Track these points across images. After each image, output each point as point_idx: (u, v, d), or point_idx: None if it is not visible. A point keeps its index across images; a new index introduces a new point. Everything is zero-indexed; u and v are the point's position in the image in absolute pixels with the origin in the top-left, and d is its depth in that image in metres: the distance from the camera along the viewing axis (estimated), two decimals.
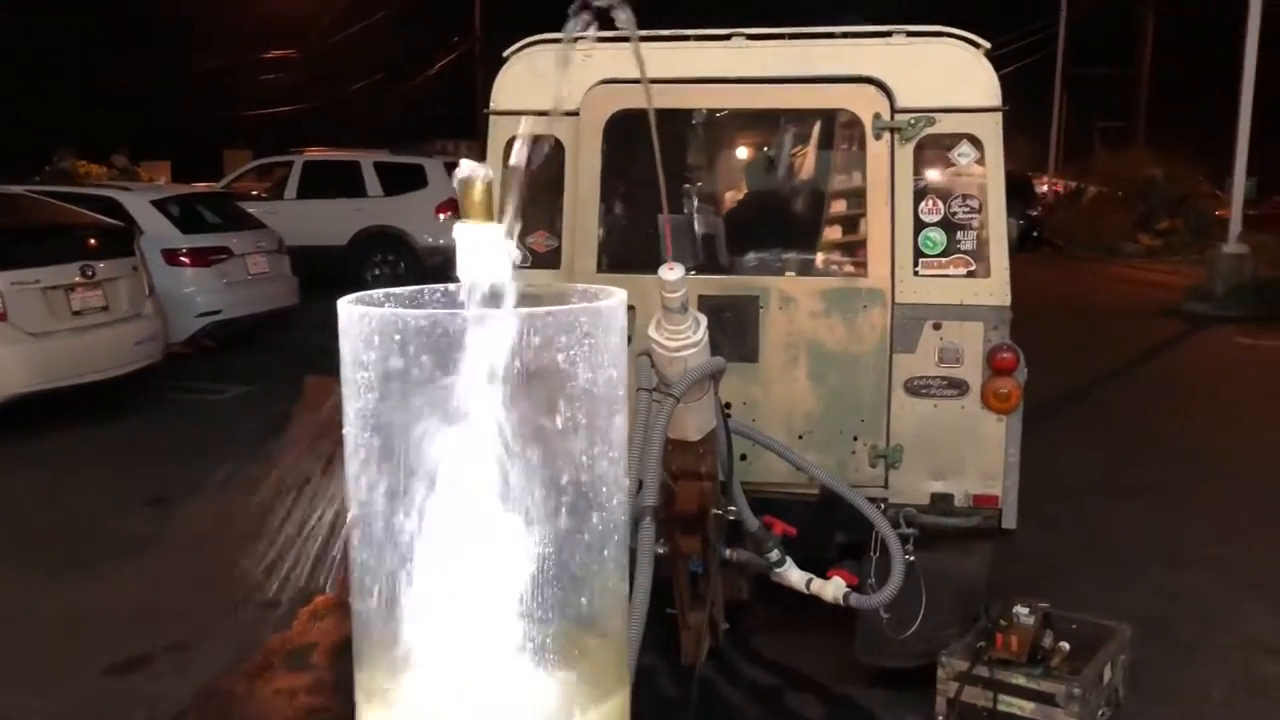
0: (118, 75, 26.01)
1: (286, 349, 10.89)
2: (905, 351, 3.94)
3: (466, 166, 1.52)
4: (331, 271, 14.48)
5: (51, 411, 8.09)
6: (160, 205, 10.71)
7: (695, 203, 4.68)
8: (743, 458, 3.72)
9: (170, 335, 9.69)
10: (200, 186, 15.76)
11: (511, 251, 1.51)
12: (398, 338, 1.42)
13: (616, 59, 3.95)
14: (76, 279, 8.15)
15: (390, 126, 25.17)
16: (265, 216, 12.67)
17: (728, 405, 3.70)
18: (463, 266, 1.50)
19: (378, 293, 1.59)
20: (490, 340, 1.39)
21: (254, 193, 16.11)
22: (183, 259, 10.35)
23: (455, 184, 1.52)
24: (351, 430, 1.50)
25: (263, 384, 9.79)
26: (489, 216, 1.51)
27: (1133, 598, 5.09)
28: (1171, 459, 7.71)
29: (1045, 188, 30.79)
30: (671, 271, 2.79)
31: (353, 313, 1.45)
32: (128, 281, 8.69)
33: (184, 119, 27.48)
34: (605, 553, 1.53)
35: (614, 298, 1.53)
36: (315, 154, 17.28)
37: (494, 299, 1.49)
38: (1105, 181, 28.87)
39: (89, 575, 5.48)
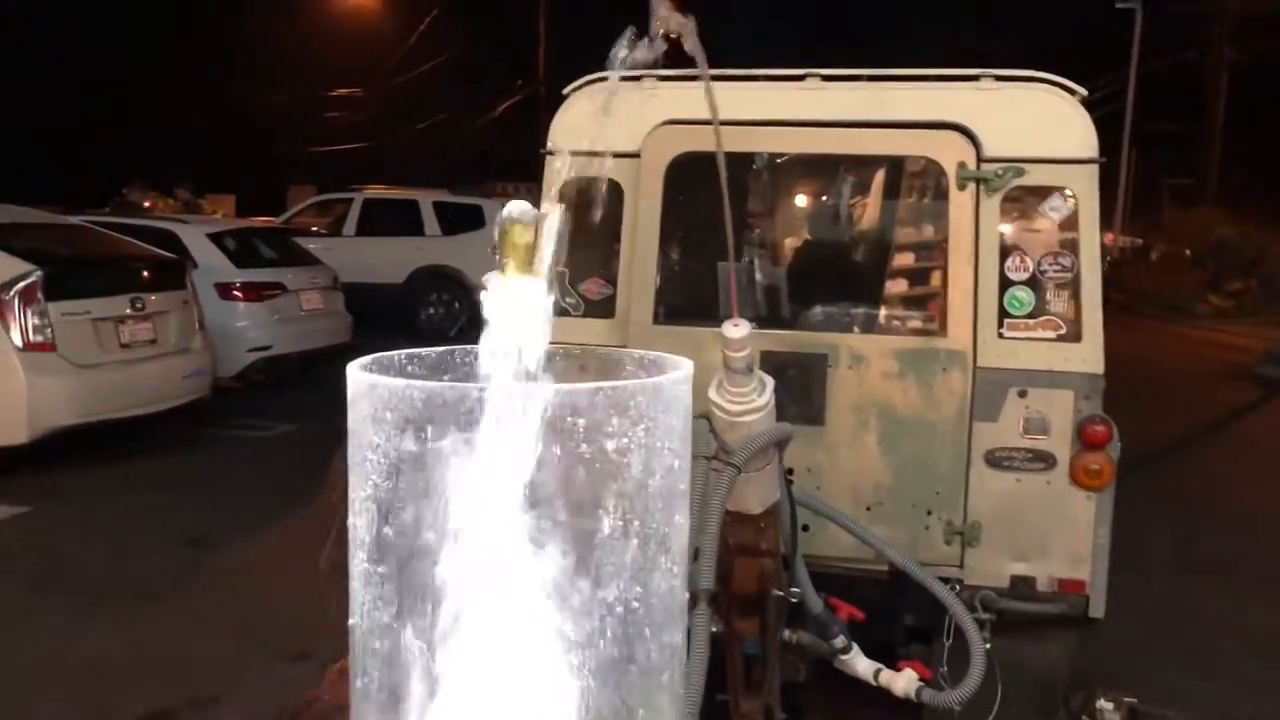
0: (187, 109, 26.47)
1: (337, 387, 10.72)
2: (987, 420, 3.63)
3: (513, 206, 1.27)
4: (387, 309, 14.43)
5: (95, 444, 8.00)
6: (216, 239, 10.68)
7: (761, 252, 4.42)
8: (804, 528, 3.43)
9: (220, 370, 9.60)
10: (259, 221, 15.80)
11: (549, 309, 1.25)
12: (412, 415, 1.17)
13: (680, 98, 3.72)
14: (126, 311, 8.08)
15: (452, 167, 25.30)
16: (323, 253, 12.64)
17: (790, 472, 3.41)
18: (493, 328, 1.24)
19: (400, 354, 1.34)
20: (521, 421, 1.13)
21: (313, 228, 16.16)
22: (236, 293, 10.29)
23: (497, 224, 1.27)
24: (357, 524, 1.24)
25: (311, 422, 9.65)
26: (530, 267, 1.25)
27: (1219, 689, 4.71)
28: (1250, 534, 7.32)
29: (1109, 242, 30.22)
30: (737, 329, 2.52)
31: (362, 381, 1.20)
32: (178, 315, 8.61)
33: (250, 154, 27.88)
34: (661, 685, 1.26)
35: (679, 370, 1.27)
36: (375, 191, 17.34)
37: (528, 370, 1.23)
38: (1173, 239, 28.28)
39: (119, 618, 5.31)
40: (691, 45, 1.84)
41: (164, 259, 9.00)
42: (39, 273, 7.45)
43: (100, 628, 5.16)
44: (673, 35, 1.66)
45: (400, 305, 15.17)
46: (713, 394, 2.62)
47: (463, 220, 15.80)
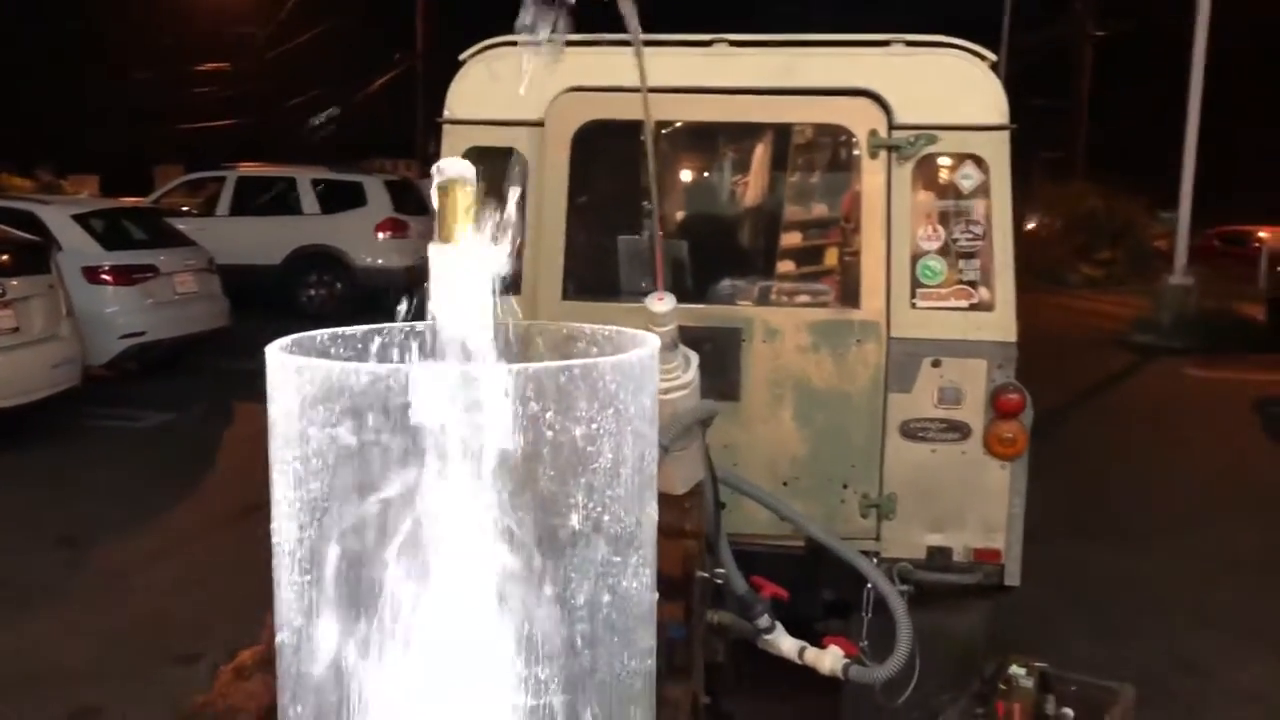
0: (46, 88, 25.15)
1: (215, 374, 10.32)
2: (901, 391, 3.59)
3: (449, 166, 1.13)
4: (265, 292, 13.90)
5: None
6: (82, 220, 10.10)
7: (668, 225, 4.31)
8: (722, 506, 3.35)
9: (90, 358, 9.09)
10: (127, 201, 15.07)
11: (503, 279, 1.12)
12: (349, 403, 1.02)
13: (585, 64, 3.58)
14: None
15: (328, 144, 24.58)
16: (196, 234, 12.08)
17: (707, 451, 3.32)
18: (440, 303, 1.10)
19: (323, 333, 1.18)
20: (478, 407, 1.00)
21: (184, 209, 15.47)
22: (105, 277, 9.74)
23: (434, 189, 1.13)
24: (282, 529, 1.09)
25: (189, 411, 9.24)
26: (476, 231, 1.11)
27: (1122, 651, 4.82)
28: (1138, 497, 7.56)
29: None
30: (661, 303, 2.42)
31: (287, 365, 1.05)
32: (42, 300, 8.10)
33: (114, 133, 26.65)
34: (631, 693, 1.14)
35: (645, 347, 1.15)
36: (249, 169, 16.69)
37: (480, 349, 1.10)
38: (1046, 212, 29.12)
39: None
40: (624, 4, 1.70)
41: (24, 241, 8.47)
42: None
43: None
44: None
45: (279, 287, 14.63)
46: None
47: (343, 198, 15.31)
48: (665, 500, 2.73)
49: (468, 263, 1.09)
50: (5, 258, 7.97)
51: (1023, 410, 3.56)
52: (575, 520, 1.03)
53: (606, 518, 1.05)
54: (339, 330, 1.19)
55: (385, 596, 1.02)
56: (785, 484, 3.65)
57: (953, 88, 3.56)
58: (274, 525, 1.09)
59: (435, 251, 1.10)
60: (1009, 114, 3.56)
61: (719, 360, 3.55)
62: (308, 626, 1.05)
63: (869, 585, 3.19)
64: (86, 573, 5.76)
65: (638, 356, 1.08)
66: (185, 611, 5.19)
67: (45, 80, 24.70)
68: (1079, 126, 31.36)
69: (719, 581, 2.99)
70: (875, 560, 3.48)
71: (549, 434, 1.01)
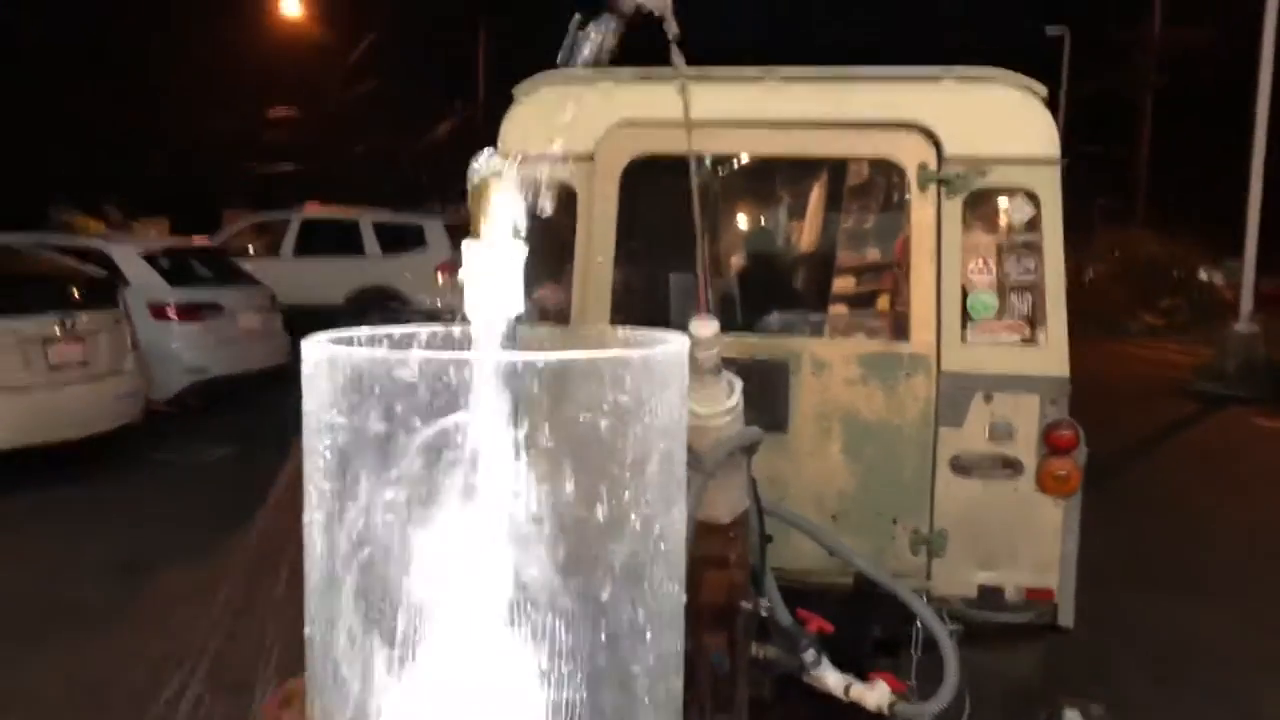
0: (119, 129, 25.89)
1: (275, 410, 10.43)
2: (952, 425, 3.55)
3: (484, 164, 1.15)
4: (327, 331, 14.08)
5: (24, 470, 7.67)
6: (149, 258, 10.37)
7: (719, 257, 4.33)
8: (768, 540, 3.32)
9: (154, 393, 9.29)
10: (194, 241, 15.44)
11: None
12: (378, 390, 1.03)
13: (635, 98, 3.62)
14: (55, 331, 7.77)
15: (392, 188, 24.99)
16: (261, 274, 12.34)
17: (751, 482, 3.30)
18: (472, 297, 1.11)
19: (362, 331, 1.20)
20: (504, 395, 1.01)
21: (250, 249, 15.81)
22: (170, 314, 9.98)
23: (472, 180, 1.15)
24: (314, 521, 1.11)
25: (248, 446, 9.36)
26: (509, 231, 1.13)
27: (1181, 699, 4.70)
28: (1202, 547, 7.39)
29: None
30: (705, 327, 2.42)
31: (320, 355, 1.06)
32: (109, 335, 8.31)
33: (185, 175, 27.36)
34: (656, 698, 1.13)
35: (672, 342, 1.15)
36: (314, 211, 17.03)
37: (512, 342, 1.11)
38: (1106, 259, 28.79)
39: (50, 649, 5.06)
40: (668, 17, 1.72)
41: (94, 277, 8.71)
42: None
43: (31, 659, 4.93)
44: (646, 10, 1.55)
45: (340, 326, 14.84)
46: None
47: (404, 240, 15.57)
48: (709, 529, 2.74)
49: (500, 258, 1.10)
50: (75, 293, 8.20)
51: (1076, 447, 3.50)
52: (600, 514, 1.04)
53: (632, 515, 1.05)
54: (377, 330, 1.21)
55: (406, 581, 1.03)
56: (833, 518, 3.62)
57: (1003, 121, 3.55)
58: (306, 518, 1.11)
59: (468, 247, 1.11)
60: (1060, 147, 3.54)
61: (766, 392, 3.54)
62: (332, 619, 1.06)
63: (918, 623, 3.15)
64: (145, 599, 5.84)
65: (664, 351, 1.09)
66: (239, 640, 5.24)
67: (115, 123, 25.44)
68: (1139, 173, 31.03)
69: (764, 614, 2.95)
70: (925, 598, 3.43)
71: (571, 422, 1.02)
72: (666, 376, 1.10)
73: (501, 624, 1.02)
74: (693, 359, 2.42)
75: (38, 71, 24.00)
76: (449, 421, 1.01)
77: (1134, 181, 31.40)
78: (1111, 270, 28.03)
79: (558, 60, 1.35)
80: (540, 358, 1.00)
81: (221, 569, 6.19)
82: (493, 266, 1.10)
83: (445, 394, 1.02)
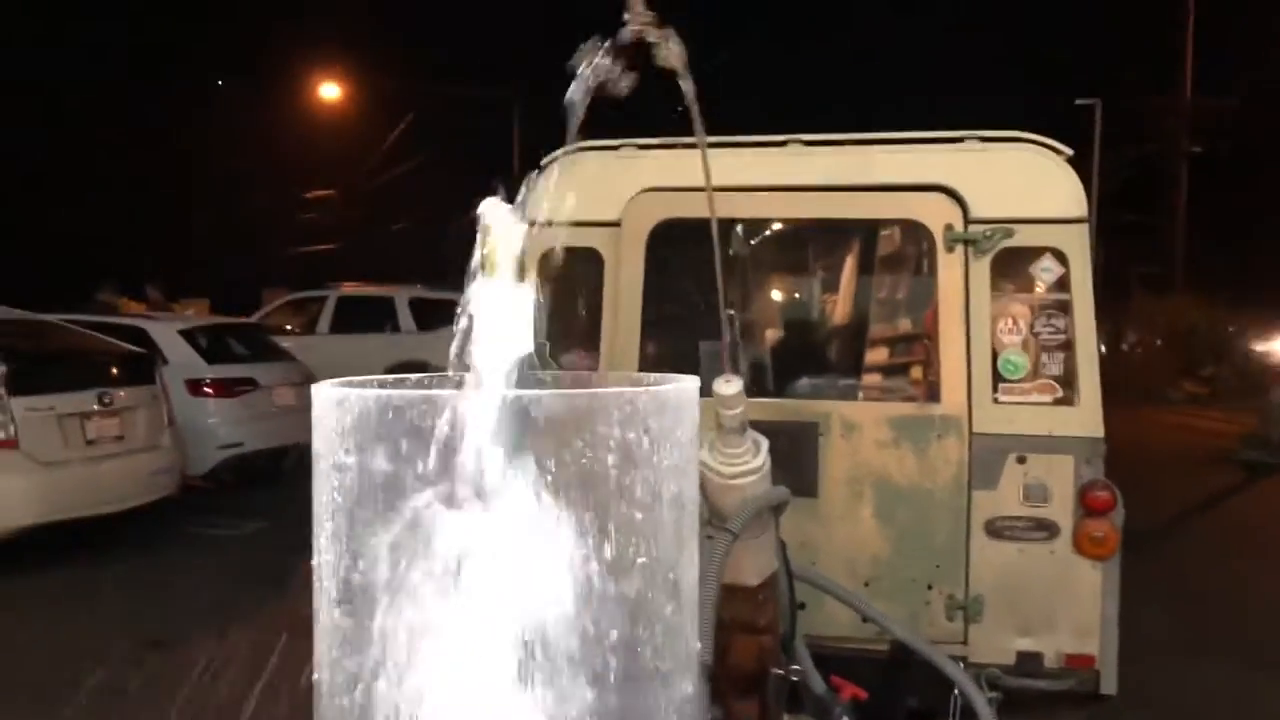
0: (161, 212, 26.53)
1: (309, 484, 10.46)
2: (985, 488, 3.49)
3: (492, 207, 1.15)
4: None
5: (58, 543, 7.71)
6: (187, 335, 10.52)
7: (746, 320, 4.32)
8: (801, 606, 3.26)
9: (190, 468, 9.36)
10: (231, 319, 15.66)
11: (539, 320, 1.12)
12: (384, 429, 1.02)
13: (660, 165, 3.66)
14: (93, 406, 7.87)
15: (430, 264, 25.33)
16: (298, 351, 12.49)
17: (782, 546, 3.25)
18: (480, 336, 1.11)
19: (372, 379, 1.20)
20: (510, 432, 1.00)
21: (287, 327, 16.01)
22: (206, 389, 10.09)
23: (480, 226, 1.15)
24: (322, 562, 1.09)
25: (282, 520, 9.38)
26: (516, 273, 1.13)
27: None
28: (1250, 617, 7.16)
29: None
30: (729, 385, 2.40)
31: (329, 398, 1.06)
32: (146, 410, 8.40)
33: (225, 257, 27.88)
34: None
35: (683, 381, 1.13)
36: (350, 289, 17.26)
37: (521, 381, 1.10)
38: (1145, 328, 28.56)
39: None
40: (669, 55, 1.73)
41: (132, 354, 8.83)
42: (3, 367, 7.26)
43: None
44: (646, 39, 1.56)
45: None
46: (704, 456, 2.49)
47: (439, 316, 15.70)
48: (738, 592, 2.69)
49: (507, 297, 1.10)
50: (114, 369, 8.31)
51: (1113, 508, 3.43)
52: (609, 551, 1.02)
53: (643, 558, 1.03)
54: (388, 378, 1.21)
55: (416, 631, 1.01)
56: (866, 584, 3.55)
57: (1029, 181, 3.55)
58: (314, 560, 1.10)
59: (476, 287, 1.11)
60: (1086, 207, 3.53)
61: (795, 456, 3.50)
62: (340, 661, 1.04)
63: (955, 691, 3.07)
64: (174, 677, 5.80)
65: (674, 389, 1.07)
66: (272, 714, 5.19)
67: (157, 206, 26.11)
68: (1176, 241, 30.86)
69: (795, 680, 2.89)
70: (962, 665, 3.34)
71: (580, 461, 1.00)
72: (677, 414, 1.08)
73: (510, 666, 0.99)
74: (718, 418, 2.41)
75: (81, 156, 24.66)
76: (456, 459, 1.00)
77: (1171, 249, 31.21)
78: (1152, 338, 27.78)
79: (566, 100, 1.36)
80: (546, 394, 0.99)
81: (254, 645, 6.17)
82: (500, 307, 1.10)
83: (451, 432, 1.01)
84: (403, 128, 29.62)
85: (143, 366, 8.66)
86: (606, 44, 1.49)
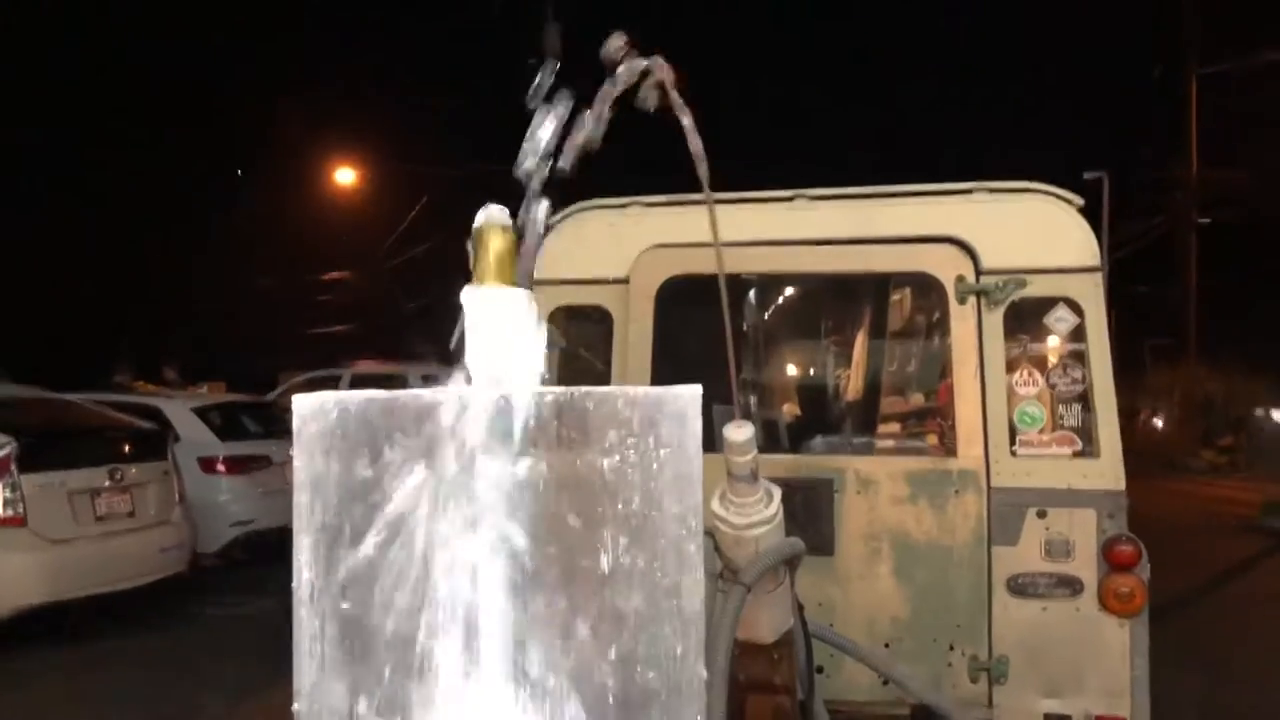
0: (178, 294, 26.79)
1: None
2: (1006, 544, 3.41)
3: (490, 210, 1.12)
4: None
5: (66, 622, 7.61)
6: (201, 412, 10.53)
7: (757, 375, 4.27)
8: (819, 670, 3.16)
9: (201, 545, 9.28)
10: (245, 397, 15.67)
11: (529, 319, 1.08)
12: (368, 435, 0.98)
13: (668, 222, 3.65)
14: (104, 483, 7.83)
15: (442, 344, 25.36)
16: None
17: (800, 608, 3.16)
18: (473, 340, 1.07)
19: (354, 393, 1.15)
20: (500, 435, 0.95)
21: None
22: (219, 467, 10.06)
23: (472, 236, 1.12)
24: (301, 579, 1.04)
25: (292, 598, 9.26)
26: (507, 279, 1.09)
27: None
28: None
29: None
30: (739, 430, 2.34)
31: (309, 405, 1.02)
32: (157, 487, 8.35)
33: (241, 339, 28.05)
34: None
35: (685, 388, 1.09)
36: (364, 367, 17.30)
37: (509, 381, 1.06)
38: (1161, 399, 28.42)
39: None
40: (662, 83, 1.71)
41: (144, 430, 8.81)
42: (13, 444, 7.24)
43: None
44: (629, 71, 1.53)
45: None
46: (716, 506, 2.43)
47: None
48: (752, 650, 2.60)
49: (498, 303, 1.06)
50: (126, 446, 8.28)
51: (1138, 563, 3.34)
52: (605, 562, 0.96)
53: (641, 562, 0.98)
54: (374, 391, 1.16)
55: (401, 639, 0.96)
56: (887, 645, 3.45)
57: (1040, 231, 3.52)
58: (294, 578, 1.05)
59: (468, 294, 1.08)
60: (1099, 256, 3.49)
61: (810, 513, 3.43)
62: (321, 683, 0.99)
63: None
64: None
65: (673, 393, 1.03)
66: None
67: (174, 288, 26.40)
68: (1188, 312, 30.80)
69: None
70: None
71: (574, 464, 0.96)
72: (678, 421, 1.03)
73: (498, 683, 0.93)
74: (728, 465, 2.35)
75: (101, 240, 25.01)
76: (442, 465, 0.95)
77: (1184, 320, 31.15)
78: (1168, 409, 27.63)
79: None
80: (539, 391, 0.95)
81: None
82: (491, 310, 1.06)
83: (438, 435, 0.96)
84: (417, 211, 29.95)
85: (154, 443, 8.64)
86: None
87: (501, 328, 1.06)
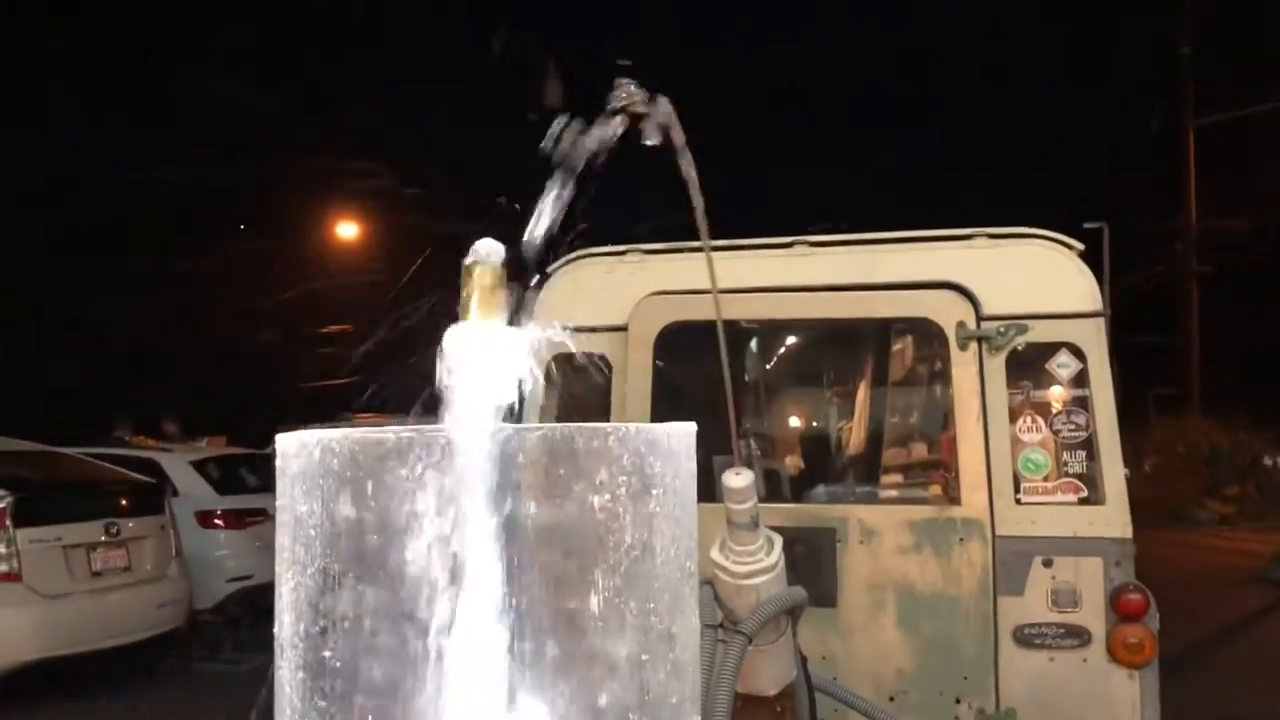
0: (178, 351, 26.79)
1: None
2: (1012, 593, 3.35)
3: (480, 245, 1.09)
4: None
5: (65, 678, 7.51)
6: (199, 466, 10.47)
7: (757, 423, 4.23)
8: None
9: (197, 601, 9.17)
10: (242, 450, 15.61)
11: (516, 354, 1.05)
12: (351, 473, 0.95)
13: (667, 270, 3.64)
14: (100, 537, 7.76)
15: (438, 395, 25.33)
16: None
17: (803, 660, 3.09)
18: (458, 376, 1.04)
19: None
20: (487, 472, 0.92)
21: None
22: (216, 521, 9.98)
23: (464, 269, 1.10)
24: (283, 623, 1.01)
25: None
26: (493, 315, 1.07)
27: None
28: None
29: None
30: (738, 477, 2.31)
31: (292, 443, 0.98)
32: (154, 541, 8.28)
33: (242, 393, 28.01)
34: None
35: (679, 425, 1.06)
36: (363, 420, 17.25)
37: (494, 416, 1.03)
38: (1165, 449, 28.26)
39: None
40: (657, 118, 1.69)
41: (141, 483, 8.75)
42: (9, 498, 7.19)
43: None
44: (633, 110, 1.52)
45: None
46: (715, 555, 2.38)
47: None
48: (755, 702, 2.54)
49: (485, 338, 1.04)
50: (122, 500, 8.22)
51: (1147, 612, 3.28)
52: (595, 604, 0.92)
53: (633, 605, 0.94)
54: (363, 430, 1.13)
55: (384, 685, 0.92)
56: (892, 699, 3.38)
57: (1041, 276, 3.50)
58: (275, 621, 1.01)
59: (454, 332, 1.05)
60: (1102, 302, 3.47)
61: (812, 563, 3.37)
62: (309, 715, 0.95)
63: None
64: None
65: (667, 430, 0.99)
66: None
67: (172, 344, 26.43)
68: (1191, 361, 30.77)
69: None
70: None
71: (563, 503, 0.92)
72: (671, 460, 1.00)
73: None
74: (728, 513, 2.31)
75: (96, 292, 25.07)
76: (427, 504, 0.92)
77: (1187, 370, 31.10)
78: (1172, 460, 27.47)
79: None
80: (526, 428, 0.92)
81: None
82: (477, 345, 1.03)
83: (424, 473, 0.93)
84: (418, 265, 30.05)
85: (151, 497, 8.57)
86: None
87: (486, 363, 1.03)
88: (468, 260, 1.10)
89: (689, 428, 1.04)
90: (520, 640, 0.90)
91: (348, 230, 29.17)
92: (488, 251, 1.10)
